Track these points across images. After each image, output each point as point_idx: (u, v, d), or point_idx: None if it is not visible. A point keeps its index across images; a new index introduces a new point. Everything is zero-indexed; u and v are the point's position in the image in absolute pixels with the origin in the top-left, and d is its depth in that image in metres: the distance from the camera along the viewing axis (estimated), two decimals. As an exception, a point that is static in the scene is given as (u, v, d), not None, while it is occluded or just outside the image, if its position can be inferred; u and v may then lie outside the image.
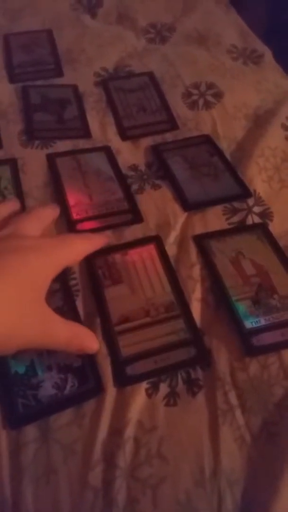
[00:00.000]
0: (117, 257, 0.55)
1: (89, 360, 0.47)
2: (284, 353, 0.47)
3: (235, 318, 0.50)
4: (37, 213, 0.50)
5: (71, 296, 0.51)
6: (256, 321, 0.49)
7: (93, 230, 0.57)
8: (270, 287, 0.52)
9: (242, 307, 0.50)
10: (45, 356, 0.47)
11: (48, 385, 0.45)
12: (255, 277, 0.53)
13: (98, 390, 0.45)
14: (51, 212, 0.53)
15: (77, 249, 0.48)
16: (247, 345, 0.48)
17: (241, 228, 0.58)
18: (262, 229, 0.58)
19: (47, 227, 0.51)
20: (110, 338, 0.48)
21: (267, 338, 0.48)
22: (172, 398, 0.45)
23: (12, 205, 0.53)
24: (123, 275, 0.53)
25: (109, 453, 0.42)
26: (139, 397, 0.45)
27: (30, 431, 0.43)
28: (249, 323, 0.49)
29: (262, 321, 0.49)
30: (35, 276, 0.42)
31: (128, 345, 0.48)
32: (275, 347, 0.48)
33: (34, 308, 0.41)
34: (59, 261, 0.45)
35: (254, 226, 0.58)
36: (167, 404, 0.45)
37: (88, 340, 0.45)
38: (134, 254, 0.55)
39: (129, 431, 0.43)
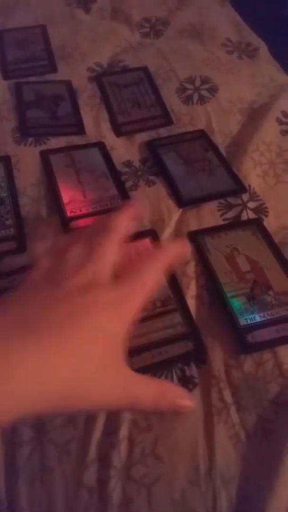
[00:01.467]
0: None
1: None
2: (279, 350, 0.47)
3: (230, 314, 0.49)
4: (115, 238, 0.45)
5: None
6: (251, 318, 0.49)
7: (87, 228, 0.57)
8: (265, 283, 0.52)
9: (237, 303, 0.50)
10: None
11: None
12: (250, 273, 0.53)
13: None
14: (125, 227, 0.47)
15: (148, 288, 0.43)
16: (242, 342, 0.47)
17: (235, 224, 0.58)
18: (257, 225, 0.57)
19: None
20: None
21: (262, 335, 0.48)
22: (166, 396, 0.45)
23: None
24: (119, 270, 0.53)
25: (104, 453, 0.42)
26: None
27: (25, 432, 0.43)
28: (244, 320, 0.49)
29: (257, 318, 0.49)
30: (109, 335, 0.39)
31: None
32: (270, 344, 0.48)
33: (110, 369, 0.38)
34: (132, 313, 0.41)
35: (249, 221, 0.58)
36: (162, 403, 0.45)
37: (180, 398, 0.41)
38: (129, 248, 0.55)
39: (124, 431, 0.43)
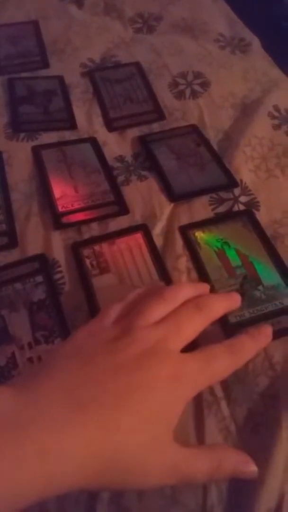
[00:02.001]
0: (104, 246, 0.55)
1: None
2: (268, 345, 0.46)
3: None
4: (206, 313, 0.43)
5: (55, 289, 0.51)
6: (240, 315, 0.49)
7: (79, 223, 0.57)
8: (255, 278, 0.52)
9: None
10: (26, 348, 0.47)
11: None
12: (240, 268, 0.53)
13: None
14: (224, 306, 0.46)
15: (220, 367, 0.40)
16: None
17: (226, 216, 0.58)
18: (247, 216, 0.58)
19: None
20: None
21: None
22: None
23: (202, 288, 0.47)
24: (110, 264, 0.53)
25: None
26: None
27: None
28: (233, 317, 0.49)
29: (246, 314, 0.49)
30: (161, 415, 0.36)
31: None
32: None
33: (157, 449, 0.35)
34: (192, 392, 0.39)
35: (240, 213, 0.58)
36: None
37: (242, 464, 0.38)
38: (121, 243, 0.55)
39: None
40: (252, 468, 0.38)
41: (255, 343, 0.43)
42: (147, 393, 0.36)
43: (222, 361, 0.40)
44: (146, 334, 0.39)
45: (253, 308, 0.49)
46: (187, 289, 0.45)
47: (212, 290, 0.50)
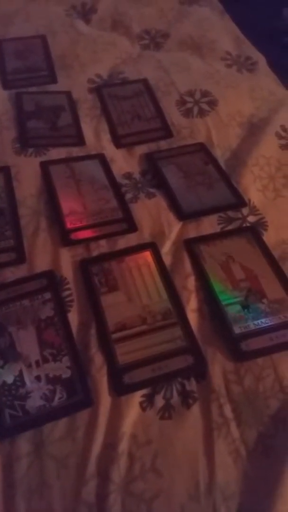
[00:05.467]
0: (113, 264, 0.55)
1: (79, 372, 0.46)
2: (279, 366, 0.47)
3: (224, 323, 0.50)
4: None
5: (63, 306, 0.51)
6: (245, 326, 0.49)
7: (87, 240, 0.57)
8: (260, 291, 0.52)
9: (231, 312, 0.50)
10: (33, 366, 0.47)
11: (36, 396, 0.45)
12: (244, 282, 0.53)
13: (87, 402, 0.45)
14: None
15: None
16: (236, 350, 0.48)
17: (231, 232, 0.58)
18: (251, 232, 0.58)
19: None
20: (107, 346, 0.48)
21: (256, 343, 0.48)
22: (167, 411, 0.44)
23: None
24: (119, 282, 0.53)
25: (103, 468, 0.41)
26: (133, 410, 0.44)
27: (23, 445, 0.42)
28: (238, 328, 0.49)
29: (252, 326, 0.50)
30: None
31: (125, 353, 0.48)
32: (265, 352, 0.48)
33: None
34: None
35: (244, 229, 0.59)
36: (162, 417, 0.44)
37: None
38: (130, 261, 0.55)
39: (123, 445, 0.42)
40: None
41: None
42: None
43: None
44: None
45: (258, 320, 0.50)
46: None
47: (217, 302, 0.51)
